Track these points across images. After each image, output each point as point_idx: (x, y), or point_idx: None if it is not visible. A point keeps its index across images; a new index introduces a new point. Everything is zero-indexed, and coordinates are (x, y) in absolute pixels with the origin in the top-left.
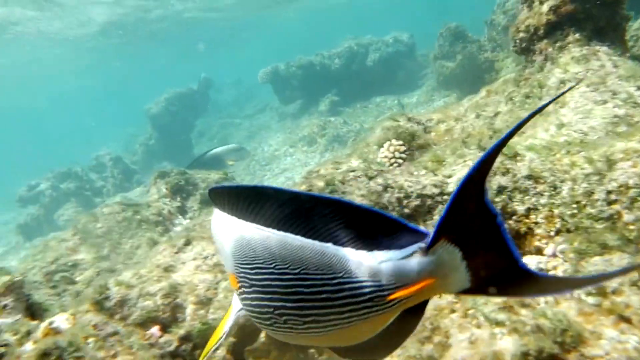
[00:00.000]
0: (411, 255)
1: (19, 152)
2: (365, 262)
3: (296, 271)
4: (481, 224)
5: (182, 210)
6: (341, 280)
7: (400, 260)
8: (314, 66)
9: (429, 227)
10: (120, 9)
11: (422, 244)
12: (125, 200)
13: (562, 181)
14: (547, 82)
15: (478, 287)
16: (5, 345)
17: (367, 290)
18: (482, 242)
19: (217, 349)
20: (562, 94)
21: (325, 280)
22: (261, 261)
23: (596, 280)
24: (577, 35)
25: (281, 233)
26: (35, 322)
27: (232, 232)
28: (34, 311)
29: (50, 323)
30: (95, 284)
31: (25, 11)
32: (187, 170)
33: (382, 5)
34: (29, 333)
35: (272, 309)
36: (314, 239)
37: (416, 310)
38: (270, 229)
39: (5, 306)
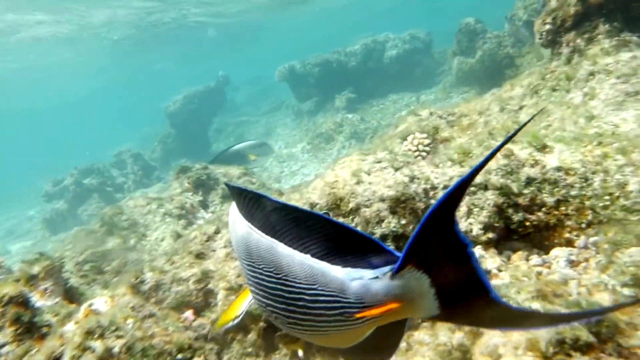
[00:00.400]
0: (381, 276)
1: (39, 150)
2: (338, 278)
3: (279, 276)
4: (451, 253)
5: (204, 204)
6: (316, 291)
7: (369, 280)
8: (330, 63)
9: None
10: (130, 11)
11: (391, 267)
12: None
13: (594, 173)
14: (576, 74)
15: (447, 315)
16: (47, 325)
17: (337, 305)
18: (452, 271)
19: (235, 326)
20: (525, 124)
21: (302, 289)
22: (253, 260)
23: (573, 318)
24: (606, 27)
25: (269, 238)
26: (73, 305)
27: (236, 226)
28: (72, 295)
29: (90, 305)
30: (129, 269)
31: (37, 16)
32: (208, 165)
33: (396, 4)
34: (68, 315)
35: (264, 304)
36: (296, 247)
37: (398, 326)
38: (260, 232)
39: (45, 289)
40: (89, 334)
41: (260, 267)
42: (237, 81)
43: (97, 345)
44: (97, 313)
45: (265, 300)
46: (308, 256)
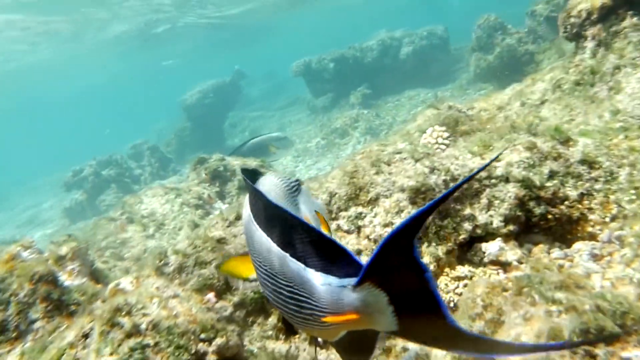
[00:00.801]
0: (345, 286)
1: (54, 143)
2: (310, 280)
3: (266, 267)
4: (410, 277)
5: (221, 195)
6: (292, 289)
7: (335, 288)
8: (346, 59)
9: (476, 211)
10: (140, 7)
11: (354, 280)
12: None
13: (620, 166)
14: (602, 68)
15: (405, 332)
16: (76, 303)
17: (308, 305)
18: (410, 293)
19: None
20: (493, 160)
21: (282, 285)
22: (251, 247)
23: (533, 349)
24: (634, 20)
25: (261, 230)
26: (99, 286)
27: (244, 210)
28: (97, 277)
29: (117, 284)
30: (154, 252)
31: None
32: (225, 157)
33: (401, 3)
34: (95, 294)
35: (261, 288)
36: (279, 245)
37: (370, 335)
38: (255, 223)
39: (73, 269)
40: (117, 310)
41: (255, 255)
42: (251, 76)
43: (125, 321)
44: (123, 292)
45: (261, 287)
46: (288, 255)
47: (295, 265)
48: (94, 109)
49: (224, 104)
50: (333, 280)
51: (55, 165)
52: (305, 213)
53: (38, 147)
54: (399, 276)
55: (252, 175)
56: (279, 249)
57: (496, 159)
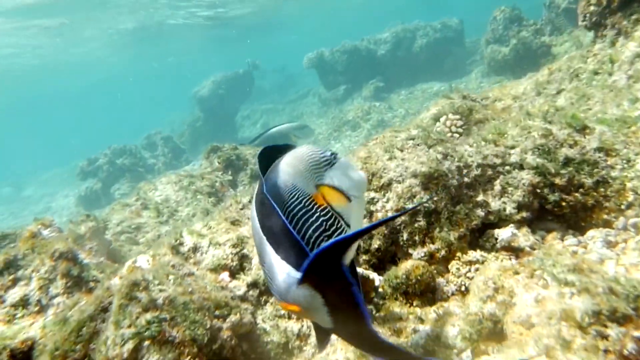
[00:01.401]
0: (297, 280)
1: (65, 135)
2: (274, 266)
3: (254, 243)
4: (339, 287)
5: (233, 184)
6: (265, 269)
7: (291, 278)
8: (359, 51)
9: (489, 197)
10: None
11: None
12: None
13: (637, 154)
14: (621, 56)
15: (340, 332)
16: (94, 280)
17: (271, 287)
18: (340, 300)
19: None
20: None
21: (261, 263)
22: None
23: None
24: None
25: (255, 212)
26: (116, 265)
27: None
28: (114, 256)
29: (134, 262)
30: (170, 232)
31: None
32: (238, 146)
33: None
34: (113, 272)
35: None
36: (261, 227)
37: (323, 331)
38: (254, 206)
39: (91, 249)
40: (135, 285)
41: (251, 228)
42: (264, 69)
43: (143, 296)
44: (141, 269)
45: None
46: (265, 238)
47: (269, 249)
48: (98, 106)
49: (236, 96)
50: (291, 271)
51: (64, 159)
52: (326, 188)
53: (46, 141)
54: (332, 284)
55: (283, 148)
56: (261, 231)
57: (424, 203)
